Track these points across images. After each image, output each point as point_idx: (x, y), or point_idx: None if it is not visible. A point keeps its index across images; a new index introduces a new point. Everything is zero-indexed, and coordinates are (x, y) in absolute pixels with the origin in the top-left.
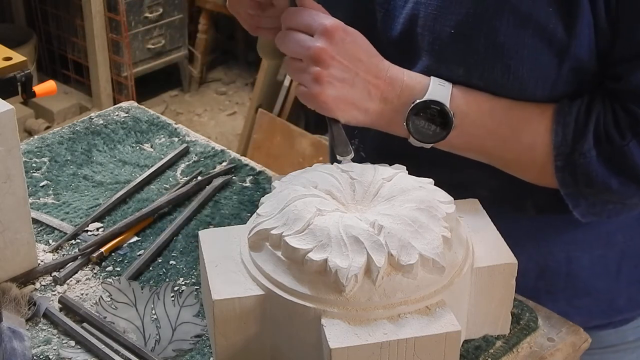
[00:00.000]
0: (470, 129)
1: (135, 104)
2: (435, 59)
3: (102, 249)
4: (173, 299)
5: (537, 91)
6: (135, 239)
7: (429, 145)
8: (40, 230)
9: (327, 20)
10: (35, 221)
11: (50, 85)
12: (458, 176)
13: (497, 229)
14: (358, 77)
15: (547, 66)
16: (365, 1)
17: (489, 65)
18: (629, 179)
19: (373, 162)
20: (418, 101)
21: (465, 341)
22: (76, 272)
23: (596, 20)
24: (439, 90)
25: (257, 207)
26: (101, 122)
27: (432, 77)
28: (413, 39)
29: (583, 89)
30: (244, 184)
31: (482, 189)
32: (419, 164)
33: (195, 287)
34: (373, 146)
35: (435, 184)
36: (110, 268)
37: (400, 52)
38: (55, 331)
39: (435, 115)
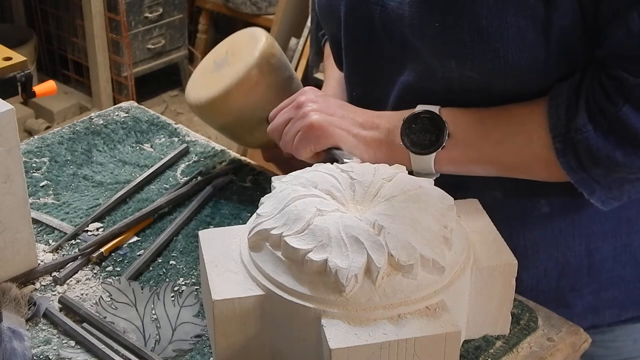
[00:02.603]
0: (464, 137)
1: (135, 104)
2: (428, 55)
3: (102, 249)
4: (173, 299)
5: (531, 75)
6: (135, 239)
7: (431, 164)
8: (40, 230)
9: (305, 88)
10: (35, 221)
11: (50, 85)
12: (470, 179)
13: (514, 232)
14: (345, 116)
15: (534, 46)
16: (359, 3)
17: (477, 53)
18: (632, 148)
19: None
20: (408, 115)
21: (465, 341)
22: (76, 272)
23: None
24: (426, 106)
25: (257, 207)
26: (101, 122)
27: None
28: (405, 38)
29: (575, 67)
30: (244, 184)
31: (496, 191)
32: None
33: (195, 287)
34: None
35: (447, 188)
36: (110, 268)
37: (400, 51)
38: (55, 331)
39: (428, 124)
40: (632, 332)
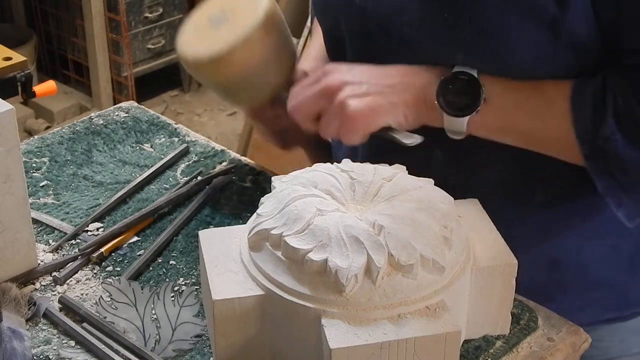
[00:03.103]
0: (500, 102)
1: (135, 104)
2: (430, 53)
3: (102, 249)
4: (173, 299)
5: (537, 74)
6: (135, 239)
7: (464, 127)
8: (40, 230)
9: (328, 67)
10: (35, 221)
11: (50, 85)
12: (470, 180)
13: (508, 223)
14: (375, 85)
15: (540, 45)
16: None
17: (480, 52)
18: None
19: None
20: (446, 75)
21: (465, 341)
22: (76, 272)
23: None
24: (463, 67)
25: (257, 207)
26: (101, 122)
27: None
28: (404, 36)
29: (587, 68)
30: (244, 184)
31: (496, 192)
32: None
33: (195, 287)
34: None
35: (447, 189)
36: (110, 268)
37: (399, 48)
38: (55, 331)
39: (464, 86)
40: (617, 332)
